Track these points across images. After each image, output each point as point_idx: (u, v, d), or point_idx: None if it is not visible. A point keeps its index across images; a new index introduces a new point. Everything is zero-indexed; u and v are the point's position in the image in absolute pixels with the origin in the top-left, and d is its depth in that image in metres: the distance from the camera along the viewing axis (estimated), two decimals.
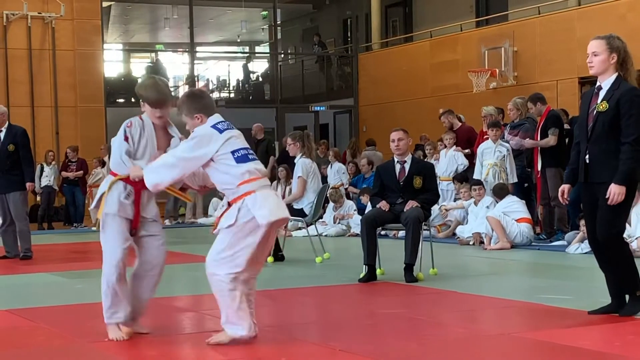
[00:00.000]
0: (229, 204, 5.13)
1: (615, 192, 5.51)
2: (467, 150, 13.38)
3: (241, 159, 5.07)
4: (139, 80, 5.73)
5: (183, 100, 5.24)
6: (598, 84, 5.75)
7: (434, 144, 14.47)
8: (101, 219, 5.27)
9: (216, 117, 5.16)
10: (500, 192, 11.23)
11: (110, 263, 5.24)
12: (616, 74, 5.68)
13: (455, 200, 13.07)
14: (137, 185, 5.26)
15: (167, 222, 17.99)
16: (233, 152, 5.06)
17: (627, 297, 5.76)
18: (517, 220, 10.97)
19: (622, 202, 5.58)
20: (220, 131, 5.07)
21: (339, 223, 14.06)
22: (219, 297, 5.12)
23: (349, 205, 14.31)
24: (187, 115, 5.17)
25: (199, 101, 5.19)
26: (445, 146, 13.53)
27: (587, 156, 5.70)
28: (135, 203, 5.30)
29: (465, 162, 13.17)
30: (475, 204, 11.68)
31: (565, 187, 5.91)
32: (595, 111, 5.68)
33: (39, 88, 19.31)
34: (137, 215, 5.32)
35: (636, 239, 9.45)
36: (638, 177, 5.70)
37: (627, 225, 9.59)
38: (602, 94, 5.70)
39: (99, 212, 5.26)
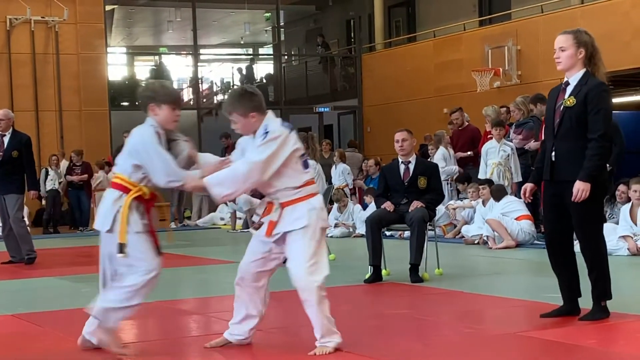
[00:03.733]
0: (280, 206, 4.94)
1: (580, 188, 5.34)
2: (469, 153, 13.40)
3: (304, 161, 4.99)
4: (144, 87, 5.37)
5: (236, 98, 4.96)
6: (565, 79, 5.61)
7: (446, 140, 14.30)
8: (128, 239, 4.92)
9: (273, 115, 4.98)
10: (497, 194, 11.23)
11: (142, 280, 4.96)
12: (584, 70, 5.55)
13: (459, 200, 13.06)
14: (149, 203, 5.04)
15: (172, 224, 18.01)
16: (302, 154, 4.97)
17: (580, 300, 5.69)
18: (516, 219, 10.97)
19: (596, 200, 5.47)
20: (290, 130, 4.93)
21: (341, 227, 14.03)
22: (316, 308, 4.83)
23: (351, 209, 14.25)
24: (242, 115, 4.89)
25: (253, 99, 4.94)
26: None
27: (553, 153, 5.53)
28: (150, 223, 5.04)
29: (455, 168, 13.35)
30: (484, 203, 11.61)
31: (527, 186, 5.76)
32: (562, 107, 5.52)
33: (43, 92, 19.35)
34: (153, 234, 5.06)
35: None
36: (605, 174, 5.58)
37: (632, 223, 9.64)
38: (569, 89, 5.55)
39: (121, 235, 4.89)
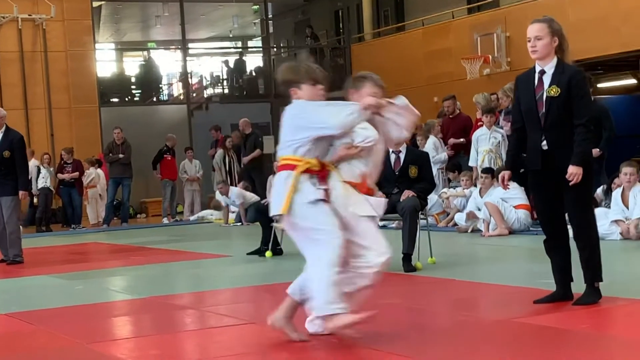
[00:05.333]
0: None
1: (575, 172, 5.45)
2: (461, 140, 13.39)
3: None
4: (283, 69, 5.07)
5: (313, 67, 4.93)
6: (539, 68, 5.66)
7: (436, 130, 14.29)
8: (300, 209, 4.70)
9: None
10: None
11: (332, 250, 4.65)
12: (556, 58, 5.63)
13: (451, 188, 13.06)
14: (321, 174, 4.81)
15: (165, 220, 17.99)
16: None
17: (572, 285, 5.74)
18: (515, 207, 10.96)
19: (587, 184, 5.60)
20: None
21: None
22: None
23: None
24: (319, 84, 4.91)
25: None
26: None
27: (543, 142, 5.62)
28: (326, 192, 4.80)
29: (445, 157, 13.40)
30: (481, 193, 11.54)
31: (505, 174, 5.87)
32: (545, 96, 5.59)
33: (32, 90, 19.30)
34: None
35: (637, 219, 9.47)
36: (591, 158, 5.73)
37: (624, 207, 9.65)
38: (546, 78, 5.62)
39: (284, 206, 4.69)
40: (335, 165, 4.93)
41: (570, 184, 5.47)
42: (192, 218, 18.05)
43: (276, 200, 4.81)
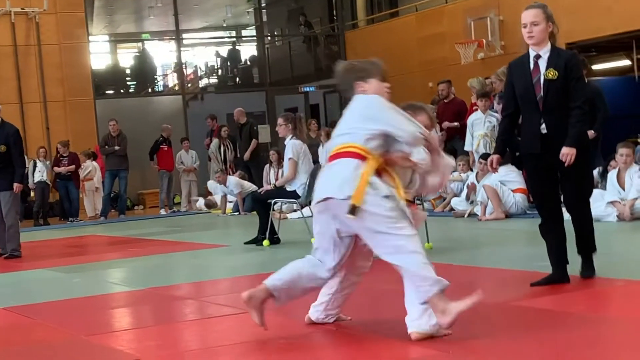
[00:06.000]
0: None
1: (569, 153, 5.54)
2: (455, 124, 13.39)
3: None
4: (351, 61, 5.06)
5: (381, 64, 4.84)
6: (534, 53, 5.74)
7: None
8: (375, 200, 4.50)
9: None
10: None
11: (413, 238, 4.55)
12: (549, 42, 5.72)
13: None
14: (379, 174, 4.65)
15: (162, 211, 18.00)
16: None
17: (569, 264, 5.86)
18: (513, 191, 10.97)
19: (586, 164, 5.76)
20: None
21: None
22: None
23: None
24: (386, 82, 4.83)
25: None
26: None
27: (542, 126, 5.69)
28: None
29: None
30: (478, 178, 11.55)
31: (494, 157, 5.98)
32: (542, 80, 5.66)
33: (26, 84, 19.27)
34: None
35: (632, 200, 9.49)
36: (587, 139, 5.85)
37: (620, 188, 9.67)
38: (542, 62, 5.70)
39: (358, 197, 4.47)
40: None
41: (565, 165, 5.54)
42: (197, 204, 17.94)
43: (341, 186, 4.54)
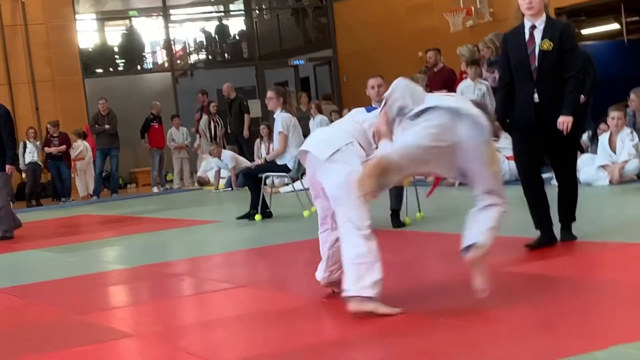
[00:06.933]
0: None
1: (566, 121, 5.67)
2: (444, 91, 13.32)
3: None
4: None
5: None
6: (530, 23, 5.83)
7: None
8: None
9: None
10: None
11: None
12: (544, 13, 5.83)
13: None
14: None
15: (154, 189, 17.98)
16: None
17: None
18: (507, 158, 10.96)
19: (576, 133, 5.88)
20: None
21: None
22: None
23: None
24: None
25: None
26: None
27: (536, 95, 5.79)
28: None
29: None
30: None
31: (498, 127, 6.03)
32: (537, 51, 5.76)
33: (14, 65, 19.17)
34: None
35: (623, 162, 9.50)
36: (579, 106, 6.02)
37: (611, 152, 9.67)
38: (537, 33, 5.80)
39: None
40: None
41: (564, 133, 5.67)
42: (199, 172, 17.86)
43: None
